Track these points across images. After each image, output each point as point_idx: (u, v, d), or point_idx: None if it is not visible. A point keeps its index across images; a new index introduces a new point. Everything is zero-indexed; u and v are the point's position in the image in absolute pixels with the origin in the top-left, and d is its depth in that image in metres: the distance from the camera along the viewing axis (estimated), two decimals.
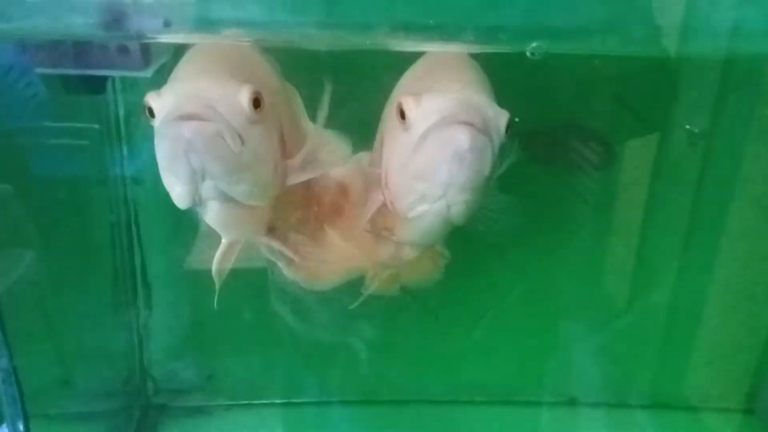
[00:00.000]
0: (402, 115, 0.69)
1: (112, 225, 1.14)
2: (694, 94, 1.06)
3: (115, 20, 0.76)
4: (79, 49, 0.91)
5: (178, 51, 0.90)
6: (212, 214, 0.73)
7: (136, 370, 1.26)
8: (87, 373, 1.20)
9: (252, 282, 1.13)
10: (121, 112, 1.08)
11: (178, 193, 0.68)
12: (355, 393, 1.28)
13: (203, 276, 1.18)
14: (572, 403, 1.30)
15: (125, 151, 1.09)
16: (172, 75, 0.73)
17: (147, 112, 0.68)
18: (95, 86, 1.03)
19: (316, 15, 0.78)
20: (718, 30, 0.79)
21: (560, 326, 1.23)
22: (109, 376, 1.24)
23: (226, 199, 0.69)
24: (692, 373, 1.28)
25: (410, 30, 0.78)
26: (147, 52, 0.92)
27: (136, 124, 1.07)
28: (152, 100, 0.67)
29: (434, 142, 0.66)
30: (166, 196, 0.70)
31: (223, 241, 0.81)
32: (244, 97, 0.67)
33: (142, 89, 1.05)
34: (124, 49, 0.91)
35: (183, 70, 0.74)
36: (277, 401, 1.28)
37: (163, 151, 0.66)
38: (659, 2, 0.77)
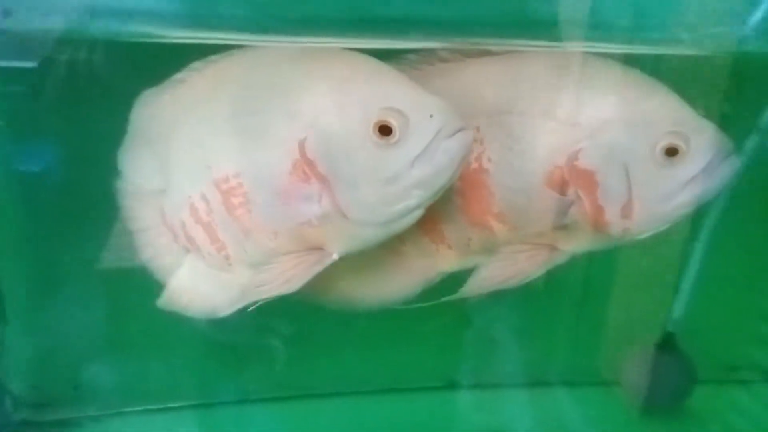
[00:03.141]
0: (674, 153, 0.77)
1: None
2: None
3: None
4: None
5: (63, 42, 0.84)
6: (403, 224, 0.78)
7: None
8: None
9: (120, 285, 1.08)
10: None
11: (408, 206, 0.75)
12: (232, 393, 1.24)
13: (63, 283, 1.11)
14: (452, 386, 1.33)
15: None
16: (348, 83, 0.76)
17: (377, 130, 0.72)
18: None
19: None
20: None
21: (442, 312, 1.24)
22: None
23: None
24: (571, 352, 1.34)
25: None
26: (30, 41, 0.85)
27: None
28: (392, 117, 0.71)
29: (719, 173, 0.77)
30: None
31: (335, 256, 0.83)
32: None
33: None
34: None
35: (374, 78, 0.76)
36: (152, 407, 1.22)
37: (435, 163, 0.72)
38: None
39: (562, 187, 0.81)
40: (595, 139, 0.78)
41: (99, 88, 0.93)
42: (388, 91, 0.74)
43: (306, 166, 0.77)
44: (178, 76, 0.88)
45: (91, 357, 1.18)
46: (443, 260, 0.94)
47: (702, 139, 0.76)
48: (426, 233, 0.92)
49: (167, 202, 0.93)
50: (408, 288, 0.97)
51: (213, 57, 0.85)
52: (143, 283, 0.99)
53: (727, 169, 0.77)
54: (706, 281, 1.23)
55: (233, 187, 0.82)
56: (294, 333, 1.20)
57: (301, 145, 0.77)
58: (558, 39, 0.82)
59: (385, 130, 0.72)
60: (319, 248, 0.83)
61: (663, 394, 1.25)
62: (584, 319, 1.30)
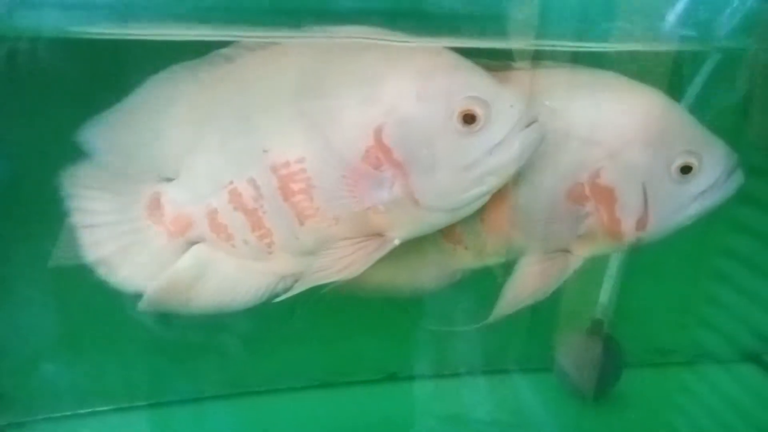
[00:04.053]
0: (687, 170, 0.82)
1: None
2: None
3: None
4: None
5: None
6: (467, 211, 0.81)
7: None
8: None
9: (50, 287, 1.04)
10: None
11: (478, 193, 0.78)
12: (164, 393, 1.21)
13: None
14: (392, 378, 1.34)
15: None
16: (432, 72, 0.76)
17: (462, 118, 0.74)
18: None
19: None
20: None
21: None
22: None
23: None
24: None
25: None
26: None
27: None
28: (478, 105, 0.74)
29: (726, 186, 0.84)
30: None
31: (396, 241, 0.84)
32: None
33: None
34: None
35: (456, 68, 0.77)
36: (81, 411, 1.18)
37: (512, 151, 0.75)
38: None
39: (581, 202, 0.85)
40: (615, 159, 0.83)
41: (43, 85, 0.89)
42: (471, 81, 0.76)
43: (380, 153, 0.77)
44: (223, 51, 0.82)
45: (12, 362, 1.13)
46: (460, 259, 0.98)
47: (713, 157, 0.83)
48: (444, 235, 0.95)
49: (180, 190, 0.87)
50: (430, 282, 1.00)
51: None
52: (75, 284, 0.95)
53: (733, 182, 0.84)
54: (636, 270, 1.27)
55: (294, 173, 0.80)
56: (244, 330, 1.18)
57: (378, 132, 0.77)
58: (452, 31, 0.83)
59: (469, 119, 0.75)
60: (378, 234, 0.83)
61: (593, 379, 1.29)
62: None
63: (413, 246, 0.92)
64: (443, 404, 1.30)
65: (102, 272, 0.88)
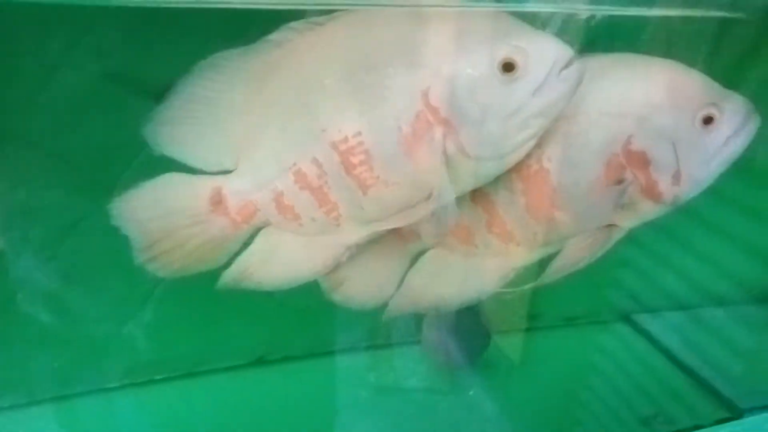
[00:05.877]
0: (710, 121, 0.87)
1: None
2: None
3: None
4: None
5: None
6: (516, 157, 0.84)
7: None
8: None
9: None
10: None
11: (526, 136, 0.81)
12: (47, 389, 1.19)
13: None
14: (260, 361, 1.34)
15: None
16: (467, 28, 0.79)
17: (502, 67, 0.77)
18: None
19: None
20: None
21: None
22: None
23: None
24: None
25: None
26: None
27: None
28: (516, 54, 0.77)
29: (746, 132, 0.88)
30: None
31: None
32: None
33: None
34: None
35: (489, 20, 0.81)
36: None
37: (553, 92, 0.79)
38: None
39: (619, 171, 0.90)
40: (643, 124, 0.88)
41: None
42: (506, 30, 0.80)
43: (430, 114, 0.81)
44: (271, 37, 0.85)
45: None
46: (514, 257, 1.02)
47: (731, 105, 0.88)
48: (495, 236, 0.99)
49: (243, 179, 0.91)
50: (485, 286, 1.04)
51: (315, 19, 0.85)
52: None
53: (751, 127, 0.89)
54: None
55: (353, 147, 0.84)
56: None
57: (425, 95, 0.81)
58: None
59: (509, 67, 0.78)
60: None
61: (462, 349, 1.30)
62: None
63: (468, 251, 1.01)
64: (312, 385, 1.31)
65: (156, 269, 0.92)
